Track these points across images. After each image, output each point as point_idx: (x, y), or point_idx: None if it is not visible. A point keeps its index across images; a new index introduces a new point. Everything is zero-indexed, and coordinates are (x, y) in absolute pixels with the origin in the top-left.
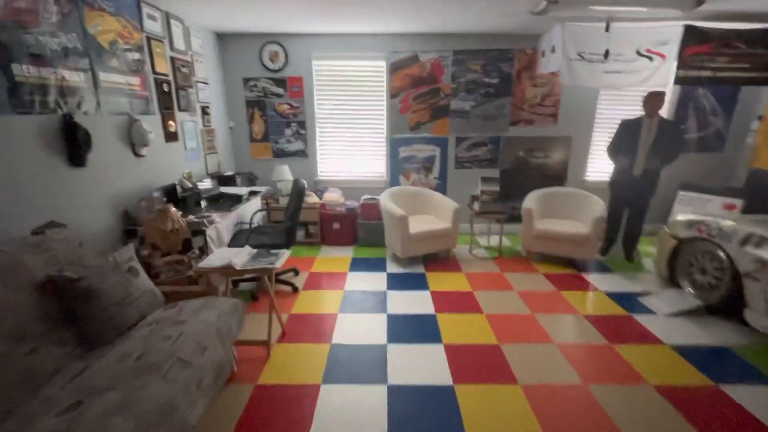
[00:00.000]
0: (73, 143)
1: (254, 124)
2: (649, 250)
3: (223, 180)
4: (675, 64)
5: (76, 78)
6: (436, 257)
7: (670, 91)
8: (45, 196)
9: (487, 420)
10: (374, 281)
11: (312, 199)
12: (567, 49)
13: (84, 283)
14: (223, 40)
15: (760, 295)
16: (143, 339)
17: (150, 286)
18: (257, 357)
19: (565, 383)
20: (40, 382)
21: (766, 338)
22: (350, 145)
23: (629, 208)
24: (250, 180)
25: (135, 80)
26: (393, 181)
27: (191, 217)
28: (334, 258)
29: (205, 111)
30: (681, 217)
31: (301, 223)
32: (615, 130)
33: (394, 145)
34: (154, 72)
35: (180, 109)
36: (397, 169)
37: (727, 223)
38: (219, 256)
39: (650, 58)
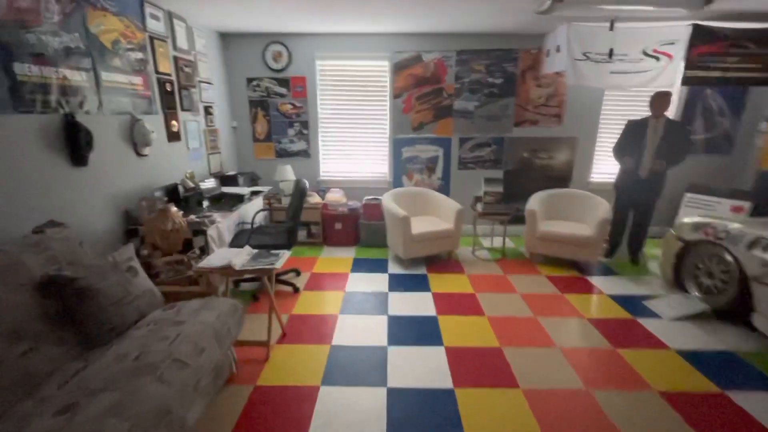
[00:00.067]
0: (75, 143)
1: (257, 124)
2: (654, 252)
3: (225, 180)
4: (682, 64)
5: (78, 77)
6: (438, 258)
7: (677, 92)
8: (46, 195)
9: (487, 424)
10: (376, 282)
11: (314, 199)
12: (572, 48)
13: (82, 282)
14: (227, 39)
15: None
16: (141, 339)
17: (149, 286)
18: (257, 358)
19: (568, 388)
20: (37, 382)
21: None
22: (353, 146)
23: (635, 210)
24: (253, 180)
25: (137, 80)
26: (396, 181)
27: (192, 217)
28: (335, 258)
29: (208, 111)
30: (687, 219)
31: (304, 223)
32: (621, 131)
33: (397, 146)
34: (157, 72)
35: (183, 109)
36: (400, 169)
37: (735, 226)
38: (219, 256)
39: (657, 58)
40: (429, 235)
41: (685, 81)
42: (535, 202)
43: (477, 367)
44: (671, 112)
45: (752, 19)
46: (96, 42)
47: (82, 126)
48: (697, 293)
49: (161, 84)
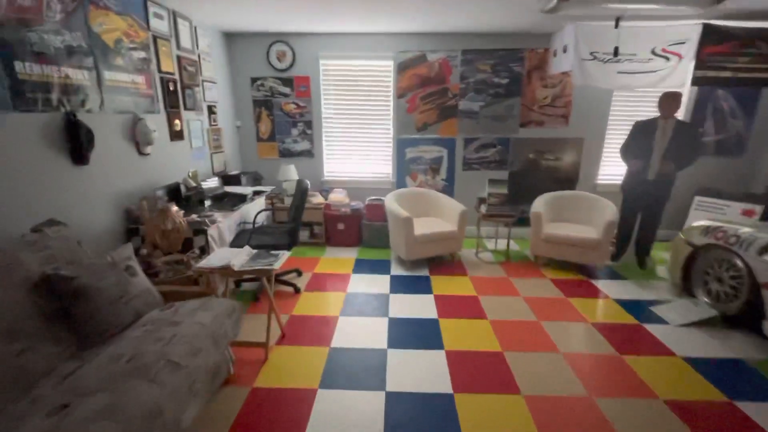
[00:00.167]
0: (76, 141)
1: (261, 124)
2: (662, 256)
3: (228, 179)
4: (692, 64)
5: (79, 76)
6: (441, 260)
7: (687, 92)
8: (47, 194)
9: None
10: (377, 283)
11: (317, 199)
12: (579, 48)
13: (79, 281)
14: (231, 39)
15: None
16: (136, 340)
17: (147, 285)
18: (255, 359)
19: (570, 395)
20: (33, 381)
21: None
22: (356, 146)
23: (642, 213)
24: (256, 179)
25: (140, 79)
26: (399, 182)
27: (193, 217)
28: (337, 259)
29: (211, 110)
30: (697, 223)
31: (306, 223)
32: (628, 132)
33: (400, 146)
34: (160, 71)
35: (186, 108)
36: (404, 170)
37: (746, 231)
38: (218, 256)
39: (666, 58)
40: (432, 237)
41: (695, 81)
42: (540, 203)
43: (478, 372)
44: (681, 113)
45: (764, 18)
46: (98, 41)
47: (83, 125)
48: (705, 299)
49: (164, 83)
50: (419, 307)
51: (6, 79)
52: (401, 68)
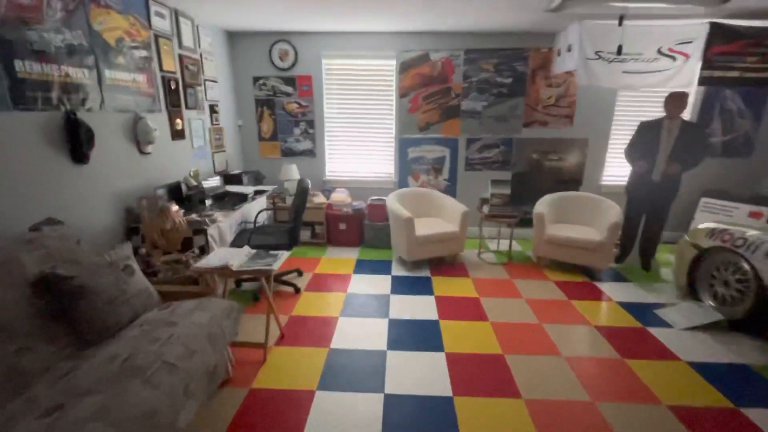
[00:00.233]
0: (76, 140)
1: (263, 123)
2: (667, 259)
3: (229, 179)
4: (699, 64)
5: (80, 75)
6: (443, 261)
7: (694, 92)
8: (47, 192)
9: None
10: (378, 284)
11: (319, 199)
12: (584, 47)
13: (76, 281)
14: (234, 38)
15: None
16: (133, 340)
17: (146, 285)
18: (254, 360)
19: (572, 399)
20: (28, 381)
21: None
22: (359, 145)
23: (647, 215)
24: (257, 179)
25: (141, 78)
26: (401, 182)
27: (193, 216)
28: (339, 259)
29: (213, 109)
30: (703, 225)
31: (308, 223)
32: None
33: (402, 146)
34: (162, 70)
35: (187, 107)
36: (406, 170)
37: (754, 233)
38: (217, 256)
39: (673, 58)
40: (433, 237)
41: (702, 81)
42: (543, 204)
43: (478, 375)
44: (687, 113)
45: None
46: (99, 39)
47: (83, 123)
48: (711, 302)
49: (166, 82)
50: (420, 308)
51: (5, 77)
52: (404, 67)
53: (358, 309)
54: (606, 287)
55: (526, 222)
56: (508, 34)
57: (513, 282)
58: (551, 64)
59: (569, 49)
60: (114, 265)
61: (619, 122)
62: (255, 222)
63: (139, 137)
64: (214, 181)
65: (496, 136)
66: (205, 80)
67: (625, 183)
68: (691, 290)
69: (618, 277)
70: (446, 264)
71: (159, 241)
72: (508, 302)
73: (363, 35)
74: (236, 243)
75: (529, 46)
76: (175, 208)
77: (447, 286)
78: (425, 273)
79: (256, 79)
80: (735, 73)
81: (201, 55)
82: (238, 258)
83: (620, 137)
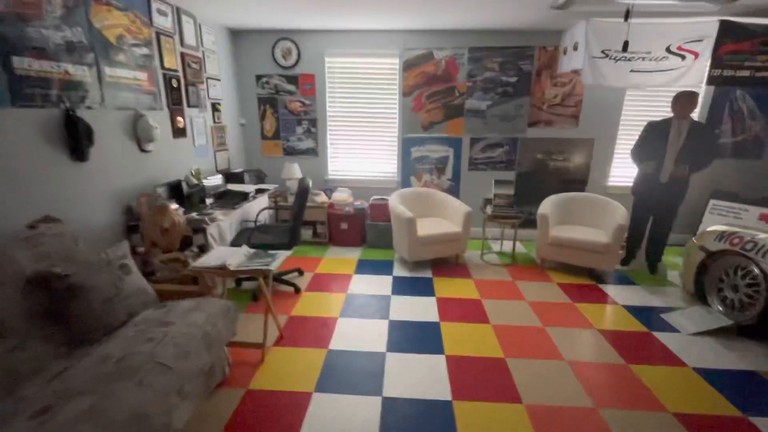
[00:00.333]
0: (75, 138)
1: (265, 122)
2: (675, 261)
3: (230, 177)
4: (709, 62)
5: (80, 72)
6: (445, 262)
7: (703, 92)
8: (45, 190)
9: None
10: (379, 285)
11: (321, 198)
12: (590, 46)
13: (72, 279)
14: (236, 36)
15: None
16: (127, 340)
17: (142, 284)
18: (252, 360)
19: (574, 405)
20: (21, 380)
21: None
22: (361, 145)
23: (654, 217)
24: (259, 178)
25: (142, 75)
26: (404, 181)
27: (193, 215)
28: (340, 259)
29: (215, 107)
30: (712, 227)
31: (310, 222)
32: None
33: (406, 145)
34: (163, 67)
35: (189, 105)
36: (409, 169)
37: (764, 237)
38: (215, 255)
39: (682, 57)
40: (435, 238)
41: (711, 81)
42: (547, 205)
43: (478, 379)
44: (696, 113)
45: None
46: (99, 37)
47: (82, 121)
48: (719, 307)
49: (167, 80)
50: (421, 309)
51: (4, 74)
52: (407, 66)
53: (358, 310)
54: (611, 290)
55: (530, 223)
56: (513, 33)
57: (516, 284)
58: (557, 63)
59: (575, 48)
60: (110, 264)
61: (627, 122)
62: (256, 221)
63: (139, 135)
64: (215, 180)
65: (501, 136)
66: (207, 78)
67: (631, 184)
68: (698, 294)
69: (623, 280)
70: (448, 265)
71: (158, 239)
72: (511, 304)
73: (366, 33)
74: (236, 242)
75: (534, 45)
76: (174, 206)
77: (449, 287)
78: (427, 274)
79: (258, 78)
80: (746, 72)
81: (203, 53)
82: (237, 257)
83: (627, 137)
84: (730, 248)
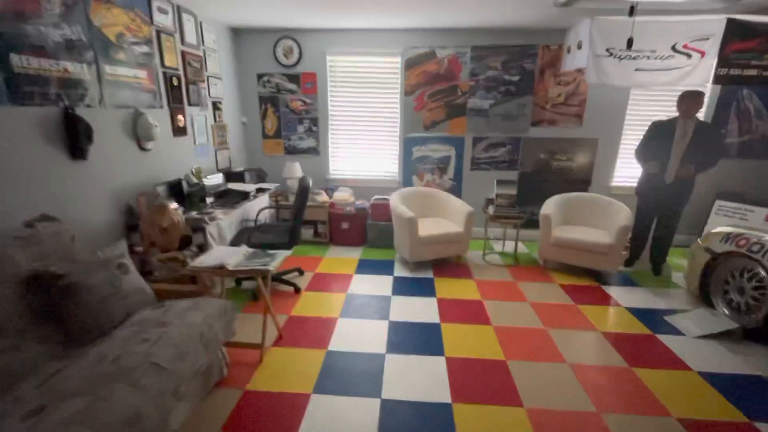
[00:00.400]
0: (74, 136)
1: (267, 120)
2: (679, 263)
3: (231, 176)
4: (715, 61)
5: (79, 70)
6: (446, 262)
7: (709, 91)
8: (44, 189)
9: None
10: (380, 285)
11: (322, 197)
12: (595, 44)
13: (68, 279)
14: (237, 34)
15: None
16: (123, 340)
17: (140, 284)
18: (250, 361)
19: (576, 410)
20: (16, 380)
21: None
22: (363, 144)
23: (659, 217)
24: (260, 177)
25: (142, 74)
26: (406, 181)
27: (193, 214)
28: (341, 259)
29: (216, 106)
30: (718, 229)
31: (310, 221)
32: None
33: (407, 145)
34: (164, 66)
35: (190, 104)
36: (411, 169)
37: None
38: (214, 255)
39: (688, 55)
40: (437, 238)
41: (717, 80)
42: (550, 205)
43: (478, 381)
44: (702, 112)
45: None
46: (99, 35)
47: (81, 119)
48: (725, 310)
49: (168, 78)
50: (421, 310)
51: (1, 72)
52: (409, 65)
53: (358, 310)
54: (614, 292)
55: (532, 223)
56: (517, 31)
57: (518, 285)
58: (560, 62)
59: (579, 46)
60: (107, 263)
61: (631, 122)
62: (256, 220)
63: (139, 134)
64: (216, 179)
65: (503, 135)
66: (208, 77)
67: (635, 184)
68: (703, 296)
69: (627, 282)
70: (450, 265)
71: (157, 238)
72: (513, 306)
73: (368, 32)
74: (237, 241)
75: (537, 43)
76: (173, 205)
77: (450, 288)
78: (428, 274)
79: (260, 76)
80: (753, 71)
81: (204, 52)
82: (235, 257)
83: (632, 137)
84: (736, 250)
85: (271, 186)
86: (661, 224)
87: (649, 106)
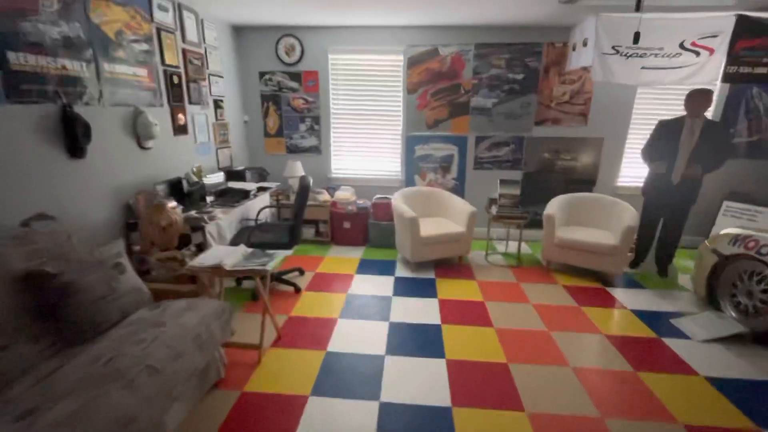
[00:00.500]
0: (72, 134)
1: (269, 119)
2: (686, 265)
3: (232, 175)
4: (725, 59)
5: (77, 68)
6: (449, 262)
7: (718, 90)
8: (42, 187)
9: None
10: (381, 285)
11: (323, 196)
12: (600, 42)
13: (63, 278)
14: (239, 32)
15: None
16: (118, 341)
17: (137, 283)
18: (248, 361)
19: (579, 415)
20: (9, 381)
21: None
22: (365, 143)
23: (665, 218)
24: (261, 175)
25: (142, 72)
26: (408, 180)
27: (192, 213)
28: (342, 258)
29: (218, 104)
30: (725, 230)
31: (312, 221)
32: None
33: (410, 143)
34: (164, 64)
35: (191, 102)
36: (413, 168)
37: None
38: (212, 254)
39: (696, 53)
40: (439, 238)
41: (726, 78)
42: (554, 206)
43: (479, 385)
44: (710, 111)
45: None
46: (98, 32)
47: (79, 117)
48: (732, 313)
49: (168, 76)
50: (422, 311)
51: None
52: (412, 63)
53: (358, 311)
54: (619, 294)
55: (535, 223)
56: (521, 28)
57: (521, 286)
58: (565, 60)
59: (585, 44)
60: (104, 263)
61: (638, 121)
62: (256, 219)
63: (139, 132)
64: (216, 178)
65: (507, 134)
66: (209, 75)
67: (641, 184)
68: (711, 299)
69: (632, 284)
70: (452, 266)
71: (156, 238)
72: (515, 307)
73: (370, 29)
74: (236, 240)
75: (542, 41)
76: (172, 204)
77: (452, 288)
78: (430, 275)
79: (261, 74)
80: (763, 69)
81: (205, 50)
82: (233, 257)
83: (638, 137)
84: (744, 252)
85: (273, 185)
86: (668, 225)
87: (656, 104)
